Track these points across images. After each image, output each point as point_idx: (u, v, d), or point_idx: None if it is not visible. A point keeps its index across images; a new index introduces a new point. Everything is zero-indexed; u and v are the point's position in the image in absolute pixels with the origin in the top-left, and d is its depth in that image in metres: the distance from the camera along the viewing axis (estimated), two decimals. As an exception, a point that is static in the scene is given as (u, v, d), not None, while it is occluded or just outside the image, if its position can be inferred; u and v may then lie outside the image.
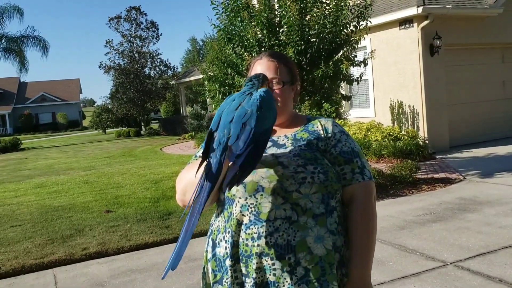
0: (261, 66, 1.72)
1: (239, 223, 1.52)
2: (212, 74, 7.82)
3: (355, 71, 8.27)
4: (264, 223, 1.48)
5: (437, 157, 9.91)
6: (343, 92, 11.72)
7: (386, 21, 10.75)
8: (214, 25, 7.35)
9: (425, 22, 10.13)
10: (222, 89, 7.51)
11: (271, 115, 1.49)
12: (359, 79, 7.76)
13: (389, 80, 11.17)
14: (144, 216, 6.55)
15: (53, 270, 4.91)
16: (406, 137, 10.10)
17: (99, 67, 29.00)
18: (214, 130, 1.47)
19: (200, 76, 10.45)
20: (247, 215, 1.50)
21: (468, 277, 3.85)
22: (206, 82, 8.39)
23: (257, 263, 1.46)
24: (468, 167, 8.61)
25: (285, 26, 7.00)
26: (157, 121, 36.79)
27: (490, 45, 11.67)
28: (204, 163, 1.45)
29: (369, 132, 10.71)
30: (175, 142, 20.04)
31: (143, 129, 29.43)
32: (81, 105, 70.99)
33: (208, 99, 19.10)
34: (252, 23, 7.00)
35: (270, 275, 1.46)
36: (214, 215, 1.69)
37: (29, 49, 29.07)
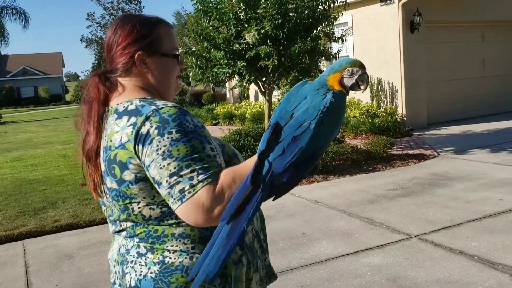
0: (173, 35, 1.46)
1: None
2: (194, 49, 7.73)
3: (336, 47, 8.26)
4: None
5: (414, 134, 10.00)
6: (324, 69, 11.75)
7: (368, -4, 10.69)
8: (191, -3, 7.24)
9: (406, -1, 10.10)
10: (198, 62, 7.45)
11: (335, 128, 1.23)
12: (337, 55, 7.75)
13: (369, 57, 11.15)
14: (119, 190, 6.53)
15: (23, 241, 4.90)
16: (384, 114, 10.16)
17: (81, 40, 28.56)
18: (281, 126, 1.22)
19: (191, 51, 10.22)
20: None
21: (430, 249, 3.94)
22: (185, 57, 8.33)
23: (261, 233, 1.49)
24: (443, 143, 8.72)
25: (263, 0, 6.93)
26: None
27: (470, 23, 11.69)
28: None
29: (348, 109, 10.74)
30: (157, 117, 19.89)
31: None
32: (64, 79, 69.93)
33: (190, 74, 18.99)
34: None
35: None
36: None
37: (8, 21, 28.42)
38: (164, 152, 1.17)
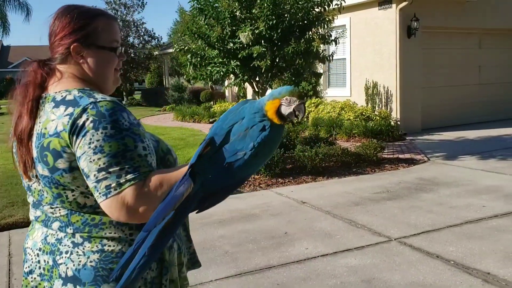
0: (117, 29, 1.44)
1: None
2: (191, 47, 7.76)
3: (332, 50, 8.31)
4: None
5: (407, 138, 10.05)
6: (321, 71, 11.82)
7: (366, 0, 10.73)
8: (187, -5, 7.30)
9: (404, 4, 10.14)
10: (193, 60, 7.49)
11: (267, 159, 1.32)
12: (331, 57, 7.79)
13: (365, 60, 11.21)
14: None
15: (9, 232, 4.95)
16: (378, 118, 10.20)
17: (82, 34, 28.45)
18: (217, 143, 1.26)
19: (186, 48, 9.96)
20: None
21: (408, 253, 3.99)
22: (180, 55, 8.38)
23: None
24: (435, 149, 8.77)
25: (259, 0, 6.97)
26: (140, 91, 36.52)
27: (468, 30, 11.73)
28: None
29: (343, 111, 10.79)
30: (154, 114, 19.94)
31: (125, 99, 29.18)
32: (66, 72, 69.68)
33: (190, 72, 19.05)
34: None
35: None
36: None
37: (11, 12, 28.39)
38: (96, 146, 1.19)
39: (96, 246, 1.28)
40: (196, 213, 1.29)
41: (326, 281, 3.50)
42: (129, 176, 1.19)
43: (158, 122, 15.94)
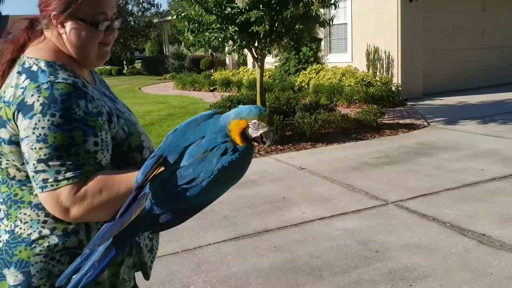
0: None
1: None
2: (189, 12, 7.65)
3: (332, 14, 8.18)
4: None
5: (408, 103, 10.00)
6: (322, 36, 11.67)
7: (367, -37, 10.51)
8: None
9: (406, -34, 9.92)
10: (191, 26, 7.39)
11: (229, 185, 1.16)
12: (331, 21, 7.67)
13: (367, 25, 11.04)
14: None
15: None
16: (379, 83, 10.13)
17: (81, 2, 28.09)
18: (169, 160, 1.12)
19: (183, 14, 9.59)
20: None
21: (405, 216, 4.02)
22: (177, 21, 8.27)
23: None
24: (435, 114, 8.73)
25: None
26: (141, 60, 36.27)
27: (471, -7, 11.52)
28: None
29: (344, 77, 10.71)
30: (155, 82, 19.85)
31: (125, 68, 29.01)
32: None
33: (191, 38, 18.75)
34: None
35: None
36: None
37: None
38: (40, 134, 1.10)
39: (10, 225, 1.23)
40: (150, 234, 1.19)
41: (322, 243, 3.55)
42: (68, 174, 1.11)
43: (158, 91, 15.89)
